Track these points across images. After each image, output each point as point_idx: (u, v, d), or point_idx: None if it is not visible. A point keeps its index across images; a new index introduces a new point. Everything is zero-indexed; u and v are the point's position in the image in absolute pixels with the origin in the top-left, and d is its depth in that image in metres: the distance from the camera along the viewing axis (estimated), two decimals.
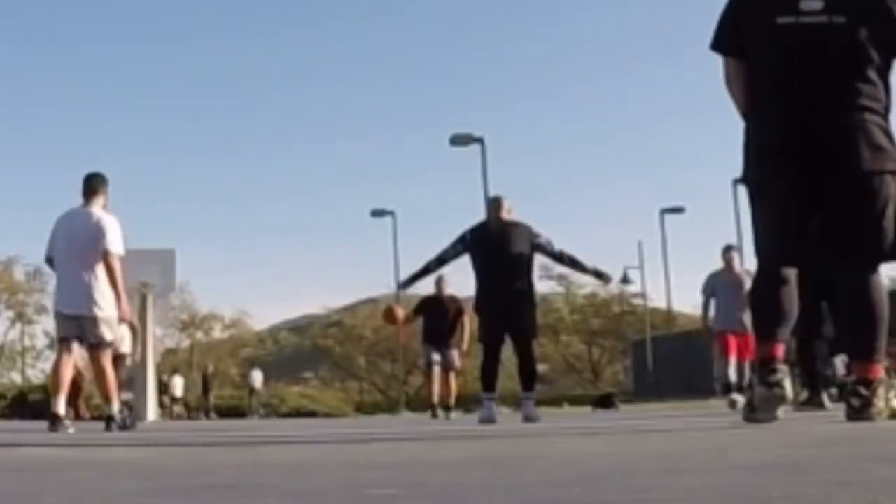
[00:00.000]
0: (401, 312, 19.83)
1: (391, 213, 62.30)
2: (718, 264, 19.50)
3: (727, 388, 19.17)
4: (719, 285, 18.25)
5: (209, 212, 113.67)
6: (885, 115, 8.17)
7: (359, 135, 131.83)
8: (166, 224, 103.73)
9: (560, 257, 16.52)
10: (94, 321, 13.44)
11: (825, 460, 4.47)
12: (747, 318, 17.13)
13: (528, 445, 7.39)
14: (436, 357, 23.12)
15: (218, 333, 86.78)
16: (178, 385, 62.81)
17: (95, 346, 13.54)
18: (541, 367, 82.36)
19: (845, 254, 8.30)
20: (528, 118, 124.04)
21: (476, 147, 53.66)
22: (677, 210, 77.44)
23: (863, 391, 8.25)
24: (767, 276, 8.78)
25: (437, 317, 21.42)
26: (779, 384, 8.45)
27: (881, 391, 8.26)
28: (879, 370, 8.36)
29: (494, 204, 16.25)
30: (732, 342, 18.84)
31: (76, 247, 13.72)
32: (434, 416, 22.72)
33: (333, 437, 9.99)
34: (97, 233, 13.50)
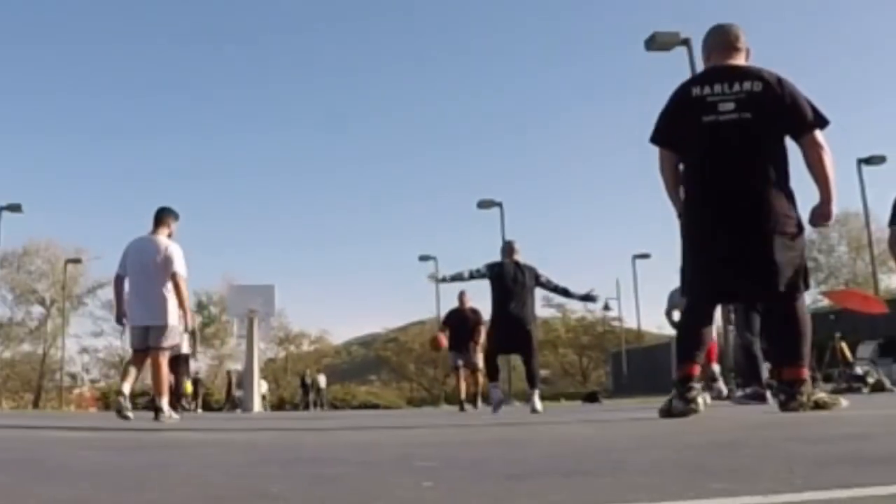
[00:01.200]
0: (444, 340, 19.87)
1: (433, 258, 62.16)
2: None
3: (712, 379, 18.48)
4: (678, 300, 17.78)
5: (303, 255, 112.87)
6: (784, 181, 8.36)
7: (410, 197, 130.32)
8: (272, 264, 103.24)
9: (556, 288, 16.97)
10: (158, 330, 13.42)
11: (755, 440, 4.47)
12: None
13: (533, 430, 7.35)
14: (459, 362, 23.00)
15: (306, 347, 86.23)
16: (263, 385, 62.53)
17: (155, 349, 13.53)
18: (543, 372, 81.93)
19: (773, 290, 8.27)
20: (537, 187, 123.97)
21: (497, 209, 53.90)
22: (645, 256, 78.33)
23: (792, 389, 8.31)
24: (695, 312, 8.83)
25: (460, 327, 21.40)
26: (694, 400, 8.45)
27: (805, 389, 8.30)
28: (805, 373, 8.39)
29: (508, 247, 16.64)
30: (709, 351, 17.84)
31: (147, 269, 13.68)
32: (462, 409, 22.65)
33: (390, 424, 9.93)
34: (166, 258, 13.48)
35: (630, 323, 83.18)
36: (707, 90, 8.36)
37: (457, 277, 16.97)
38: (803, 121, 8.22)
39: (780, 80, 8.33)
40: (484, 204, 54.85)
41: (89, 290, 79.47)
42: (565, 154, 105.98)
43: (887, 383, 19.06)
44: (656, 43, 30.06)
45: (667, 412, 8.67)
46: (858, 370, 29.59)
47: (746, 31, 8.95)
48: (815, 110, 8.31)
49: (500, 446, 4.69)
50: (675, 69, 29.44)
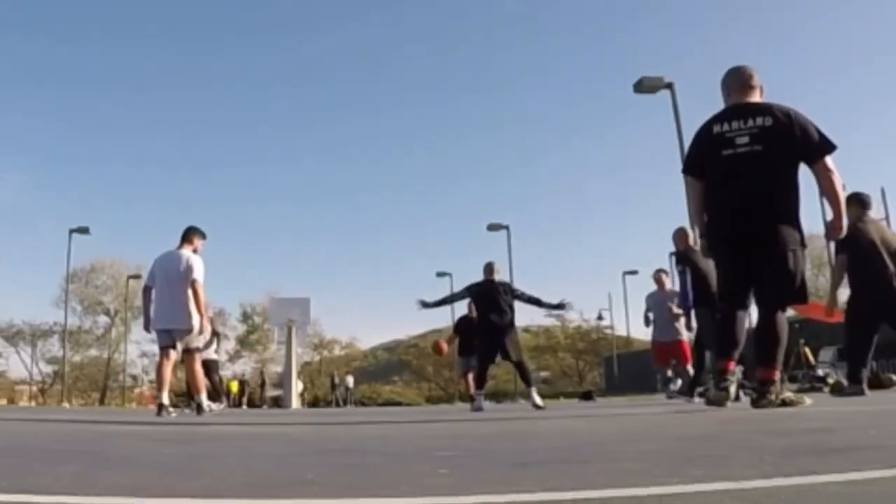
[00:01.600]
0: (444, 346, 19.90)
1: (449, 275, 61.92)
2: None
3: (665, 382, 18.42)
4: (652, 302, 17.64)
5: (336, 271, 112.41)
6: (793, 203, 8.48)
7: (430, 220, 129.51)
8: (309, 279, 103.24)
9: (529, 299, 16.95)
10: (180, 332, 13.42)
11: (730, 433, 4.46)
12: (679, 326, 17.19)
13: (536, 424, 7.34)
14: (466, 366, 22.28)
15: (337, 351, 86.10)
16: (300, 385, 62.29)
17: (186, 352, 13.55)
18: (544, 374, 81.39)
19: (766, 300, 8.56)
20: (540, 211, 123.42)
21: (504, 231, 53.93)
22: (633, 272, 78.15)
23: (763, 388, 8.38)
24: (727, 318, 8.84)
25: (469, 333, 21.33)
26: (727, 389, 8.63)
27: (774, 388, 8.37)
28: (776, 375, 8.45)
29: (488, 267, 16.78)
30: (662, 350, 17.78)
31: (171, 279, 13.70)
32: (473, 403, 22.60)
33: (410, 419, 9.91)
34: (188, 268, 13.51)
35: (620, 331, 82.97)
36: (726, 127, 8.54)
37: (444, 301, 17.23)
38: (814, 150, 8.32)
39: (789, 114, 8.41)
40: (493, 227, 54.86)
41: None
42: (566, 182, 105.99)
43: (845, 384, 18.99)
44: (643, 86, 30.00)
45: (706, 398, 9.13)
46: (820, 372, 29.60)
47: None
48: (823, 138, 8.37)
49: (507, 438, 4.69)
50: (661, 109, 29.49)
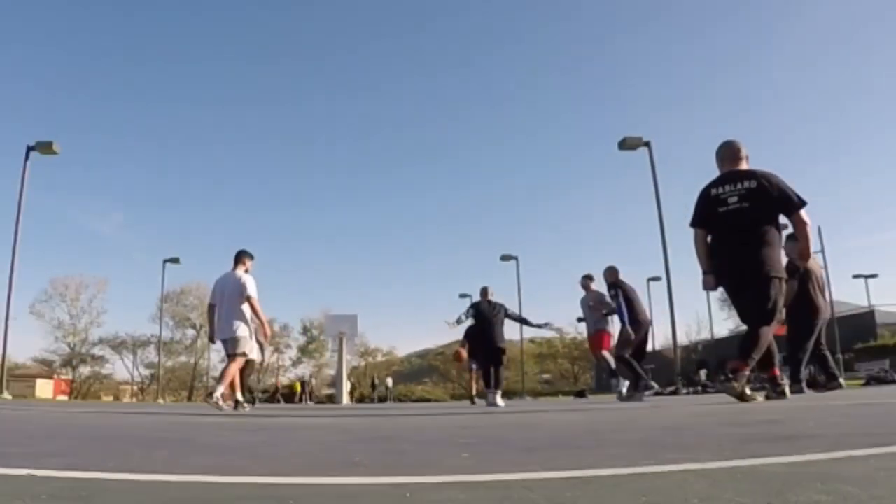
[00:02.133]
0: (463, 353, 19.87)
1: (469, 296, 61.68)
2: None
3: (611, 375, 17.50)
4: (583, 304, 17.19)
5: (379, 291, 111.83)
6: (775, 245, 8.92)
7: (457, 249, 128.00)
8: (358, 298, 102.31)
9: (518, 318, 17.44)
10: (233, 341, 13.43)
11: (696, 424, 4.45)
12: (603, 322, 16.79)
13: (540, 416, 7.31)
14: (474, 365, 22.66)
15: (379, 358, 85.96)
16: (349, 385, 61.92)
17: (231, 356, 13.58)
18: (546, 376, 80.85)
19: (748, 317, 9.07)
20: (545, 243, 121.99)
21: (513, 262, 53.77)
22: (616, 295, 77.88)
23: (732, 375, 8.70)
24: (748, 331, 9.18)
25: (475, 339, 21.36)
26: (783, 392, 9.52)
27: (740, 377, 8.65)
28: (744, 368, 8.71)
29: (484, 290, 17.12)
30: (597, 342, 17.02)
31: (226, 296, 13.72)
32: (472, 402, 22.48)
33: (438, 413, 9.89)
34: (241, 287, 13.52)
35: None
36: (720, 189, 9.10)
37: (459, 320, 17.08)
38: (790, 205, 8.77)
39: (768, 178, 8.88)
40: (504, 257, 54.72)
41: None
42: (565, 220, 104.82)
43: (787, 385, 18.90)
44: (626, 144, 30.31)
45: (768, 396, 9.50)
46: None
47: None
48: (797, 196, 8.80)
49: (516, 428, 4.68)
50: (640, 164, 29.71)
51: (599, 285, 16.74)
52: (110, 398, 66.99)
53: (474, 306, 16.97)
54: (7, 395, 26.79)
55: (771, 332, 9.11)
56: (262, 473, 2.29)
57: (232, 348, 13.63)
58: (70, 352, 72.36)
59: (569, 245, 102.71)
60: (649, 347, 17.42)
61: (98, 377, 73.45)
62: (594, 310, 16.80)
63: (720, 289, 9.42)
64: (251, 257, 14.25)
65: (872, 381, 25.78)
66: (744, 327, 9.30)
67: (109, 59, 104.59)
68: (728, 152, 9.36)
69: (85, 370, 73.01)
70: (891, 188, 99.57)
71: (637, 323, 15.59)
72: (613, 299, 15.98)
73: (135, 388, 74.10)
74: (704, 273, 9.36)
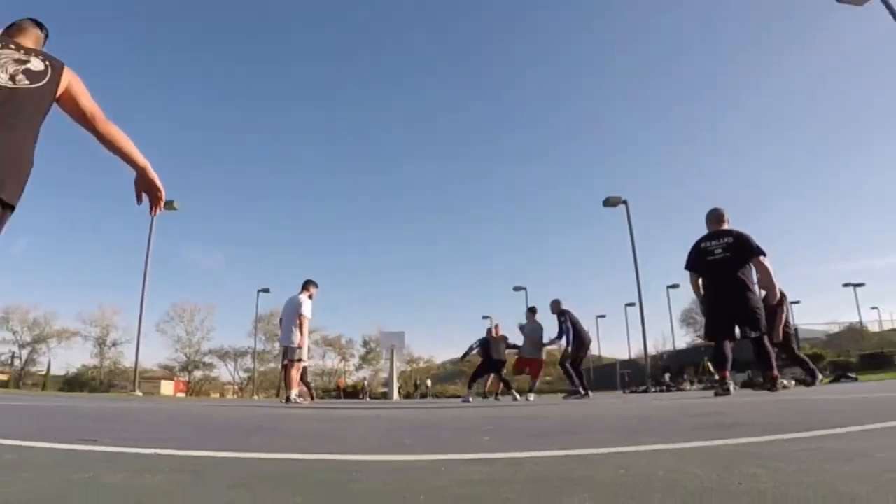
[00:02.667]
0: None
1: (489, 317, 61.30)
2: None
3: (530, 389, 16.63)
4: (524, 329, 16.48)
5: (423, 312, 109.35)
6: (751, 284, 9.36)
7: (482, 278, 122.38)
8: (405, 315, 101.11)
9: (514, 346, 16.82)
10: (291, 350, 13.46)
11: (661, 415, 4.40)
12: (537, 352, 16.37)
13: (545, 409, 7.25)
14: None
15: (421, 364, 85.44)
16: (397, 385, 61.72)
17: (290, 361, 13.56)
18: (549, 378, 79.95)
19: (756, 331, 9.14)
20: (548, 277, 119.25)
21: (523, 292, 53.45)
22: (602, 316, 77.53)
23: (773, 382, 9.33)
24: (719, 345, 9.41)
25: (486, 350, 20.89)
26: (728, 389, 9.16)
27: (778, 384, 9.40)
28: (775, 372, 9.40)
29: (489, 330, 16.94)
30: (522, 361, 16.59)
31: (288, 313, 13.78)
32: (496, 398, 22.24)
33: (465, 406, 9.82)
34: (298, 306, 13.53)
35: (596, 351, 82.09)
36: (708, 244, 9.57)
37: (469, 351, 17.05)
38: (753, 254, 9.32)
39: (741, 235, 9.46)
40: (517, 288, 54.33)
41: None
42: (564, 259, 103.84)
43: (732, 385, 18.68)
44: (609, 202, 30.39)
45: (717, 393, 9.24)
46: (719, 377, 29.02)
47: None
48: (757, 247, 9.38)
49: (525, 419, 4.65)
50: (621, 218, 29.83)
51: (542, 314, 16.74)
52: (217, 395, 67.05)
53: (482, 340, 16.97)
54: (139, 393, 27.12)
55: (766, 340, 9.44)
56: (332, 452, 2.30)
57: (290, 355, 13.69)
58: (186, 360, 72.70)
59: (566, 278, 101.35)
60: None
61: (208, 379, 73.52)
62: (530, 340, 16.38)
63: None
64: (315, 285, 14.33)
65: (795, 382, 25.58)
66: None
67: (213, 131, 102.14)
68: (714, 216, 9.86)
69: (198, 374, 73.21)
70: (808, 230, 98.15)
71: (581, 341, 15.71)
72: (563, 324, 15.70)
73: (235, 387, 74.04)
74: (702, 307, 9.95)
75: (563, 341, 15.63)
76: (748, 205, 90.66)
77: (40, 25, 4.19)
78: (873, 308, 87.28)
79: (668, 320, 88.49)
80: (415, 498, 1.40)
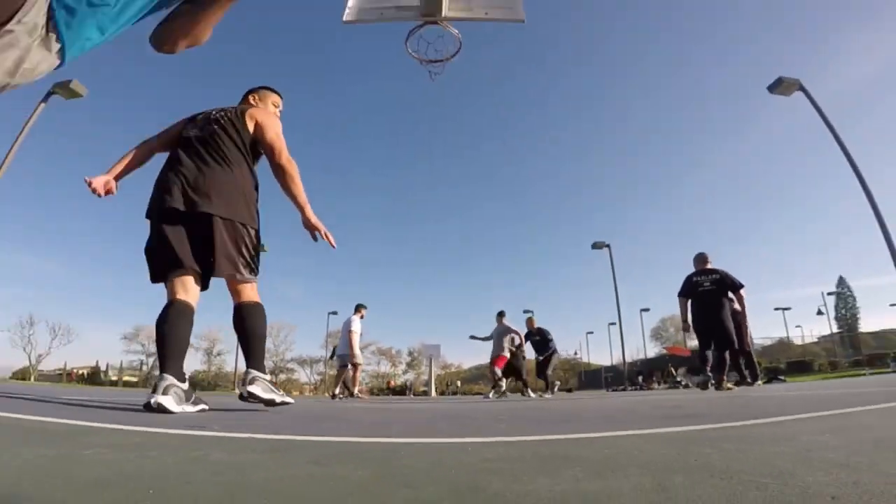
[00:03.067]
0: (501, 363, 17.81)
1: (530, 311, 60.94)
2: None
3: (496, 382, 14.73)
4: (495, 333, 14.57)
5: (455, 330, 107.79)
6: (730, 312, 9.62)
7: (487, 307, 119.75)
8: (441, 330, 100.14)
9: (514, 343, 14.58)
10: (348, 356, 13.46)
11: (637, 408, 4.34)
12: (502, 350, 14.35)
13: (548, 403, 7.20)
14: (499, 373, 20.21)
15: (453, 369, 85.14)
16: (434, 385, 61.56)
17: (352, 365, 13.55)
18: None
19: (731, 344, 9.43)
20: (549, 302, 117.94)
21: (529, 314, 53.12)
22: (590, 332, 77.42)
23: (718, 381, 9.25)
24: (702, 351, 9.54)
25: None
26: (706, 381, 9.30)
27: (723, 382, 9.21)
28: (723, 378, 9.28)
29: (500, 315, 14.66)
30: (496, 361, 14.27)
31: (344, 330, 13.76)
32: (524, 395, 21.22)
33: (486, 402, 9.76)
34: (349, 324, 13.53)
35: (586, 359, 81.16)
36: (699, 278, 9.78)
37: (484, 338, 14.84)
38: (735, 288, 9.64)
39: (723, 272, 9.70)
40: (525, 310, 54.04)
41: (364, 347, 79.87)
42: (562, 287, 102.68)
43: (692, 384, 18.39)
44: (596, 245, 30.27)
45: (700, 386, 9.46)
46: (679, 380, 28.66)
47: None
48: (738, 282, 9.64)
49: (532, 411, 4.61)
50: (605, 259, 29.78)
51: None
52: (297, 393, 67.14)
53: (495, 330, 14.78)
54: (238, 391, 27.37)
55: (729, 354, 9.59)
56: (381, 436, 2.31)
57: (350, 359, 13.71)
58: (273, 365, 73.11)
59: (564, 301, 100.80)
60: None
61: (290, 380, 73.66)
62: (502, 339, 14.49)
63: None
64: (365, 307, 14.37)
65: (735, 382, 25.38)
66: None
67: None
68: (701, 258, 10.10)
69: (282, 376, 73.42)
70: (750, 266, 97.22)
71: (551, 350, 15.47)
72: (549, 342, 15.37)
73: (311, 387, 74.07)
74: (684, 324, 9.95)
75: (506, 351, 14.47)
76: (709, 246, 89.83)
77: (267, 88, 4.44)
78: (797, 326, 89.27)
79: (640, 335, 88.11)
80: (446, 471, 1.41)
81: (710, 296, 9.56)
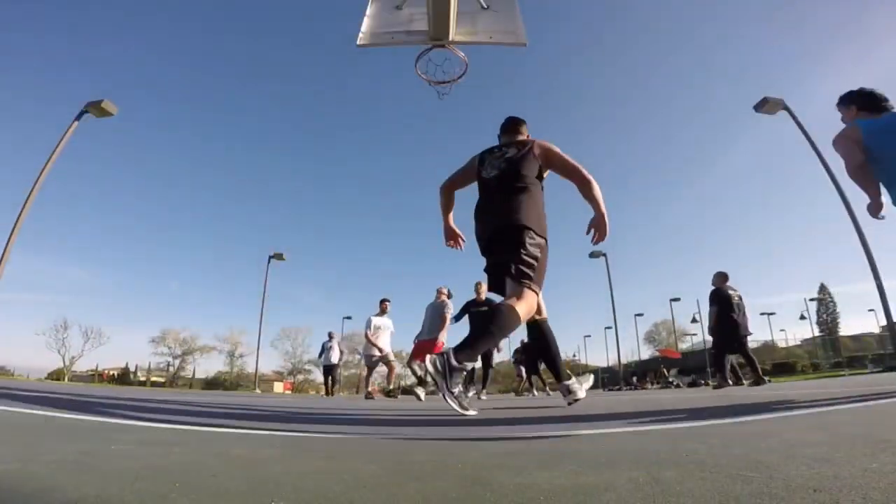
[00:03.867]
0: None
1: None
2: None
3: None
4: (432, 308, 10.53)
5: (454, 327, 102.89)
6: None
7: None
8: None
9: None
10: (369, 357, 12.88)
11: (630, 405, 4.30)
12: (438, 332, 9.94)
13: (548, 401, 7.18)
14: (523, 370, 16.90)
15: None
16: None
17: (386, 364, 12.94)
18: (550, 381, 78.97)
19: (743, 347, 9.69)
20: (552, 307, 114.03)
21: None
22: (588, 336, 76.66)
23: (761, 382, 9.42)
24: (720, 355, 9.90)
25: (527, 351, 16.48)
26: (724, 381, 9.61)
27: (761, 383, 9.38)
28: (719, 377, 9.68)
29: (478, 286, 10.28)
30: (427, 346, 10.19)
31: (383, 333, 12.57)
32: (517, 395, 20.05)
33: (503, 402, 9.74)
34: (367, 323, 12.51)
35: (584, 361, 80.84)
36: (731, 292, 10.03)
37: (458, 317, 10.42)
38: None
39: (741, 295, 10.06)
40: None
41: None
42: (564, 293, 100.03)
43: (682, 384, 18.29)
44: (593, 255, 29.88)
45: (717, 387, 9.61)
46: (671, 380, 28.52)
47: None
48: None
49: (538, 409, 4.60)
50: (602, 269, 29.42)
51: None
52: (313, 392, 67.06)
53: (470, 302, 10.48)
54: (258, 391, 27.38)
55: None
56: (391, 433, 2.31)
57: (368, 361, 13.06)
58: (292, 367, 73.11)
59: (566, 305, 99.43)
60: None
61: (307, 380, 73.56)
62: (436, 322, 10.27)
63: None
64: (388, 301, 13.61)
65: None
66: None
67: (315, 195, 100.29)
68: (723, 275, 10.31)
69: (300, 377, 73.35)
70: (739, 275, 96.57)
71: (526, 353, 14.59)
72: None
73: (338, 387, 74.18)
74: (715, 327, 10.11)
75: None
76: (699, 256, 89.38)
77: (514, 120, 4.47)
78: (781, 330, 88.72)
79: (635, 338, 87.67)
80: (454, 465, 1.41)
81: (739, 308, 9.99)
